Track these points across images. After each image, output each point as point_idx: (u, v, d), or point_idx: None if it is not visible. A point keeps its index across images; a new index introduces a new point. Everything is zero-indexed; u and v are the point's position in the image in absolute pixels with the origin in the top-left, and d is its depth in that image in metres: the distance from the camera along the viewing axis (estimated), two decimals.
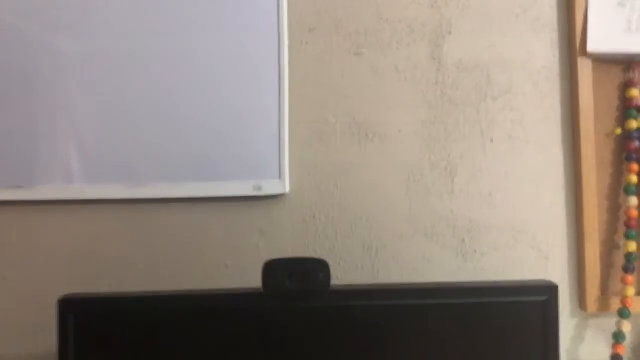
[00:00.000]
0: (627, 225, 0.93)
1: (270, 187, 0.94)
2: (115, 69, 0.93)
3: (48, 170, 0.92)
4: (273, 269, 0.76)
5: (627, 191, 0.94)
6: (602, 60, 0.96)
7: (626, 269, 0.92)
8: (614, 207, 0.96)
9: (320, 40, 0.95)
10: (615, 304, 0.92)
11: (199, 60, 0.93)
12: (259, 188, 0.93)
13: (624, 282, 0.92)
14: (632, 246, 0.92)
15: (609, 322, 0.93)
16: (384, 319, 0.75)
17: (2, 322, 0.91)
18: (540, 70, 0.97)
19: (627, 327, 0.91)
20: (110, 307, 0.76)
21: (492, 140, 0.96)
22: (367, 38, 0.96)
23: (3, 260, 0.92)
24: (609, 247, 0.95)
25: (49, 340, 0.87)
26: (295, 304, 0.75)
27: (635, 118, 0.95)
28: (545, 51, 0.97)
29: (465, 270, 0.94)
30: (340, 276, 0.93)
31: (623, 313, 0.91)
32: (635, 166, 0.94)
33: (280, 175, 0.94)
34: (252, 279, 0.91)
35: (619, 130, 0.95)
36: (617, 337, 0.91)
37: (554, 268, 0.95)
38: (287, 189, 0.94)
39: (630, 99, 0.95)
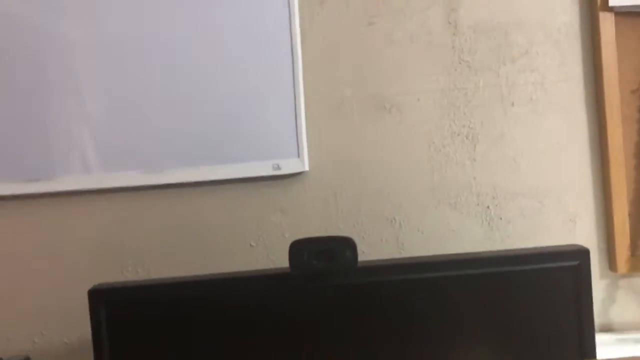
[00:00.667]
0: None
1: (289, 166, 0.92)
2: (126, 54, 0.91)
3: (63, 161, 0.92)
4: (299, 249, 0.75)
5: None
6: (625, 14, 0.92)
7: None
8: None
9: (331, 12, 0.93)
10: None
11: (209, 41, 0.91)
12: (279, 168, 0.92)
13: None
14: None
15: None
16: (414, 294, 0.75)
17: (35, 313, 0.92)
18: (560, 28, 0.93)
19: None
20: (139, 295, 0.76)
21: (513, 105, 0.94)
22: (380, 7, 0.93)
23: (31, 253, 0.92)
24: (637, 206, 0.93)
25: (82, 328, 0.88)
26: (323, 283, 0.75)
27: None
28: (564, 8, 0.93)
29: (491, 239, 0.93)
30: (366, 251, 0.92)
31: None
32: None
33: (299, 154, 0.92)
34: (278, 257, 0.92)
35: None
36: None
37: (581, 231, 0.94)
38: (306, 167, 0.92)
39: None
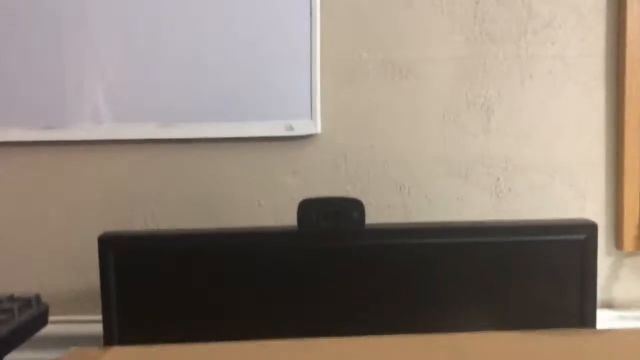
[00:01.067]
0: None
1: (302, 127, 0.92)
2: (142, 6, 0.91)
3: (77, 111, 0.92)
4: (308, 208, 0.75)
5: None
6: None
7: None
8: None
9: None
10: None
11: None
12: (291, 128, 0.92)
13: None
14: None
15: None
16: (419, 258, 0.75)
17: (43, 258, 0.94)
18: (585, 2, 0.92)
19: None
20: (147, 244, 0.77)
21: (531, 77, 0.93)
22: None
23: (42, 199, 0.94)
24: None
25: (89, 275, 0.90)
26: (330, 243, 0.76)
27: None
28: None
29: (499, 211, 0.93)
30: (372, 216, 0.92)
31: None
32: None
33: (312, 116, 0.92)
34: (286, 218, 0.92)
35: None
36: None
37: (591, 207, 0.93)
38: (319, 129, 0.92)
39: None
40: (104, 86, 0.92)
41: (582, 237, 0.75)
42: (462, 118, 0.93)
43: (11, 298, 0.56)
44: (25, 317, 0.53)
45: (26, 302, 0.55)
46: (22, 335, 0.53)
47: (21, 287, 0.83)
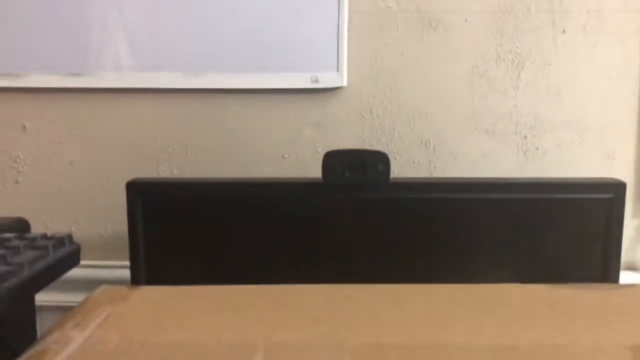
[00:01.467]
0: None
1: (327, 80, 0.91)
2: None
3: (100, 58, 0.92)
4: (333, 160, 0.76)
5: None
6: None
7: None
8: None
9: None
10: None
11: None
12: (317, 81, 0.92)
13: None
14: None
15: None
16: (444, 213, 0.75)
17: (72, 204, 0.96)
18: None
19: None
20: (174, 191, 0.78)
21: (564, 32, 0.90)
22: None
23: (69, 145, 0.95)
24: None
25: (117, 221, 0.92)
26: (354, 195, 0.76)
27: None
28: None
29: (525, 169, 0.92)
30: (397, 171, 0.92)
31: None
32: None
33: (338, 68, 0.91)
34: (310, 171, 0.93)
35: None
36: None
37: (619, 168, 0.92)
38: (345, 82, 0.91)
39: None
40: (128, 34, 0.91)
41: (610, 196, 0.74)
42: (491, 73, 0.91)
43: (45, 236, 0.57)
44: (59, 255, 0.55)
45: (59, 241, 0.56)
46: (56, 272, 0.55)
47: (51, 230, 0.86)
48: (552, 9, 0.90)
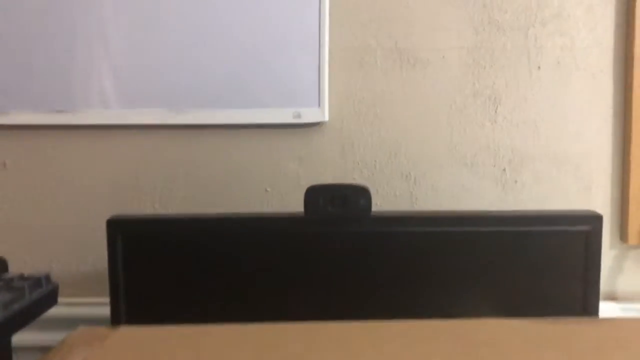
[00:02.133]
0: None
1: (309, 115, 0.93)
2: None
3: (86, 95, 0.93)
4: (315, 194, 0.76)
5: None
6: None
7: None
8: None
9: None
10: None
11: None
12: (299, 116, 0.93)
13: None
14: None
15: None
16: (425, 246, 0.76)
17: (51, 241, 0.95)
18: None
19: None
20: (155, 228, 0.78)
21: (539, 68, 0.92)
22: None
23: (50, 182, 0.94)
24: None
25: (97, 258, 0.91)
26: (336, 229, 0.76)
27: None
28: None
29: (504, 201, 0.94)
30: (379, 204, 0.93)
31: None
32: None
33: (319, 104, 0.92)
34: (292, 205, 0.93)
35: None
36: None
37: (596, 200, 0.94)
38: (326, 117, 0.93)
39: None
40: (113, 72, 0.92)
41: (587, 228, 0.75)
42: (470, 109, 0.93)
43: (22, 277, 0.57)
44: (35, 296, 0.54)
45: (36, 281, 0.56)
46: (32, 313, 0.54)
47: (30, 269, 0.85)
48: (526, 46, 0.92)
